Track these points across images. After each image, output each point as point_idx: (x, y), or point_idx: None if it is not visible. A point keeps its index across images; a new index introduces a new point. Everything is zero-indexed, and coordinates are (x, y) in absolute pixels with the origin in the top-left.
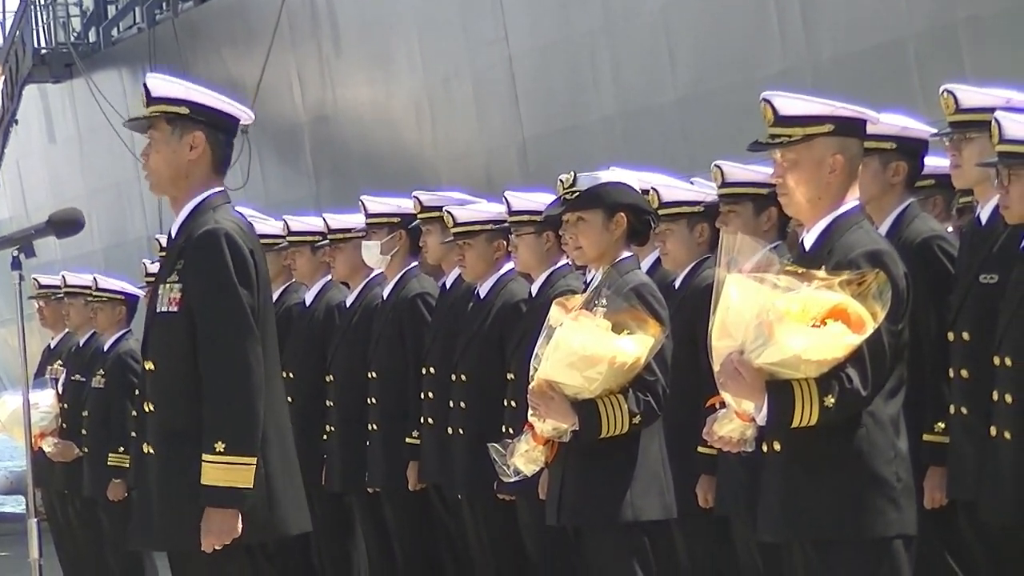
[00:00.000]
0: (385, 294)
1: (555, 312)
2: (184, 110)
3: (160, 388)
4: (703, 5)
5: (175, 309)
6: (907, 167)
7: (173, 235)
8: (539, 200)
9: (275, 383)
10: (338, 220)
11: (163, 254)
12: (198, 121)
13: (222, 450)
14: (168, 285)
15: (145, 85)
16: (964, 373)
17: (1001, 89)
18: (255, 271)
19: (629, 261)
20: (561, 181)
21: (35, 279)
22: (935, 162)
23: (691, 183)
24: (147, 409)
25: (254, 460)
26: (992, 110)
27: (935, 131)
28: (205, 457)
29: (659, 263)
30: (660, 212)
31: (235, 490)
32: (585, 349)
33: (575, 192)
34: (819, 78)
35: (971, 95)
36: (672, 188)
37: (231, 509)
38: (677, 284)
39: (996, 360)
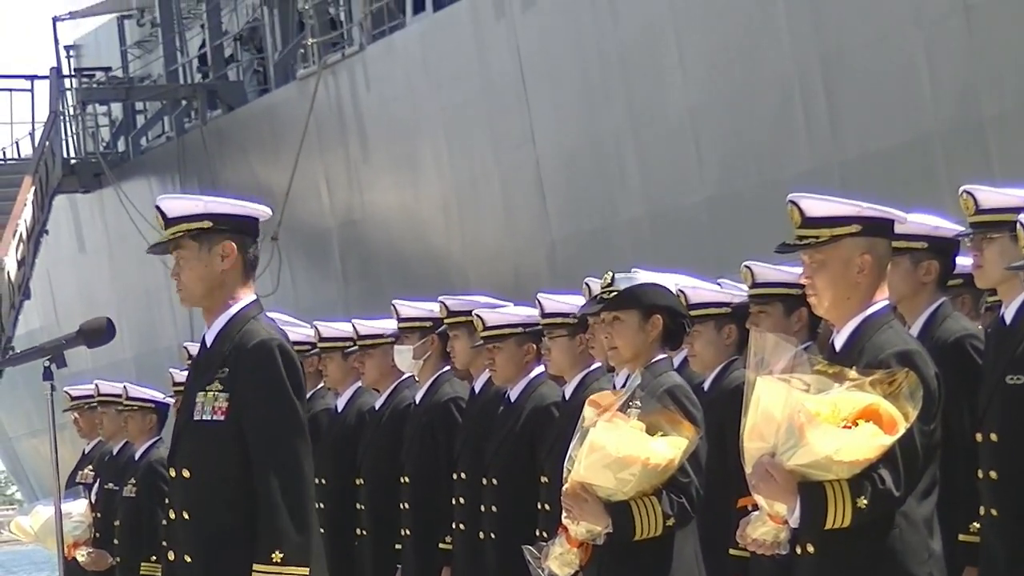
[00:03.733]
0: (418, 398)
1: (588, 413)
2: (207, 224)
3: (198, 496)
4: (729, 105)
5: (221, 418)
6: (939, 266)
7: (208, 343)
8: (571, 302)
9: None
10: (367, 326)
11: (191, 361)
12: (223, 231)
13: (279, 560)
14: (211, 394)
15: (159, 208)
16: (993, 474)
17: (1021, 189)
18: (303, 381)
19: (663, 363)
20: (587, 285)
21: (67, 392)
22: (963, 261)
23: (719, 284)
24: (179, 517)
25: (307, 571)
26: (1012, 210)
27: (962, 230)
28: (257, 566)
29: (685, 364)
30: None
31: None
32: (619, 451)
33: (613, 291)
34: (846, 176)
35: (991, 196)
36: (699, 290)
37: None
38: (706, 386)
39: None
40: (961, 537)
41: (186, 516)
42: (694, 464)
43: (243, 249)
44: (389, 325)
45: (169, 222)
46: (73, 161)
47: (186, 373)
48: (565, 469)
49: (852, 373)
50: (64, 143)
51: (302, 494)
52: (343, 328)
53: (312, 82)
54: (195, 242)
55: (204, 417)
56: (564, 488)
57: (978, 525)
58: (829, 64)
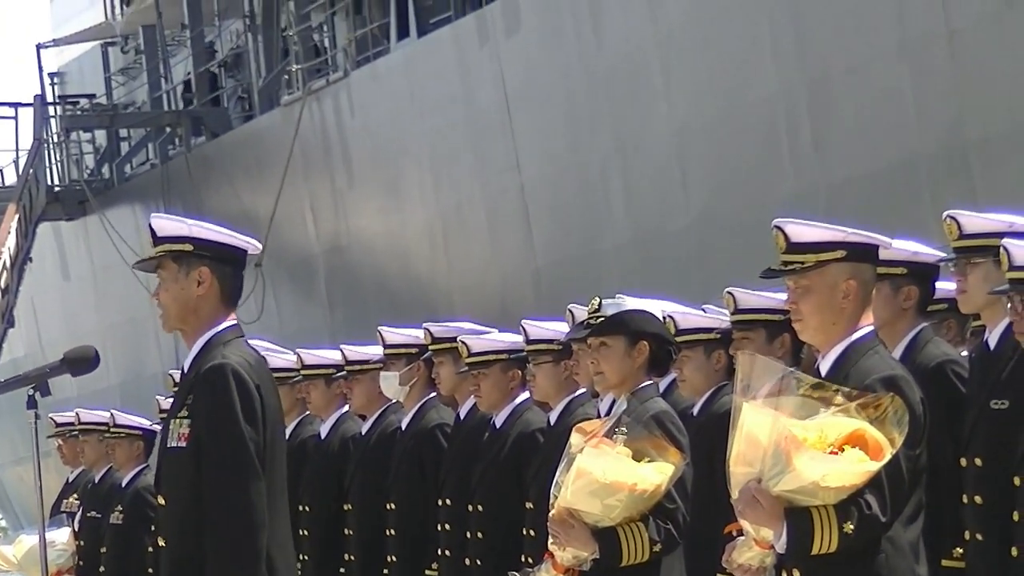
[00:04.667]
0: (404, 424)
1: (575, 439)
2: (188, 247)
3: (169, 522)
4: (714, 129)
5: (183, 444)
6: (918, 292)
7: (186, 370)
8: (556, 328)
9: (281, 519)
10: (355, 352)
11: (175, 389)
12: (203, 256)
13: None
14: (178, 420)
15: (151, 226)
16: (978, 499)
17: (1004, 214)
18: (261, 407)
19: (649, 389)
20: (571, 312)
21: (52, 418)
22: (948, 286)
23: (703, 310)
24: (159, 544)
25: None
26: (995, 235)
27: (943, 255)
28: None
29: (671, 388)
30: (677, 339)
31: None
32: (606, 476)
33: (600, 317)
34: (831, 201)
35: (974, 221)
36: (689, 315)
37: None
38: (696, 411)
39: (1017, 481)
40: (944, 562)
41: (161, 543)
42: (680, 490)
43: (220, 277)
44: (377, 351)
45: (156, 241)
46: (57, 188)
47: (171, 401)
48: (551, 495)
49: (838, 398)
50: (48, 170)
51: (247, 521)
52: (326, 355)
53: (296, 108)
54: (175, 264)
55: (172, 444)
56: (551, 514)
57: (961, 550)
58: (814, 89)
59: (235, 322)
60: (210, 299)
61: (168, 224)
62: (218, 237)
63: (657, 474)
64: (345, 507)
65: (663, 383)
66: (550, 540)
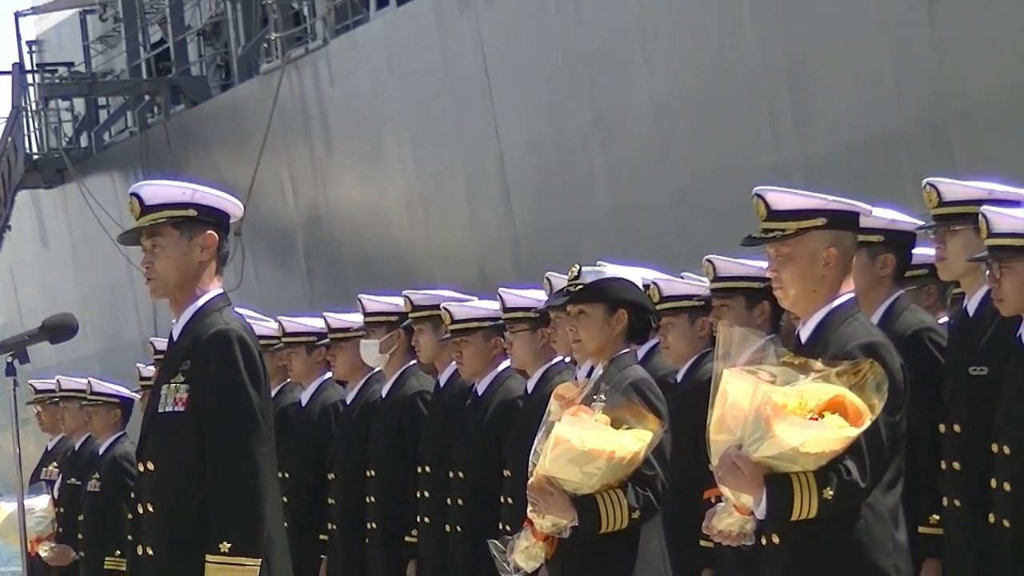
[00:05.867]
0: (384, 392)
1: (554, 407)
2: (192, 212)
3: (160, 489)
4: (695, 101)
5: (181, 409)
6: (895, 259)
7: (175, 337)
8: (533, 297)
9: (275, 484)
10: (338, 319)
11: (159, 356)
12: (206, 222)
13: (227, 550)
14: (173, 386)
15: (138, 195)
16: (956, 465)
17: (983, 181)
18: (263, 373)
19: (628, 356)
20: (548, 280)
21: (31, 385)
22: (929, 251)
23: (681, 278)
24: (145, 510)
25: (259, 562)
26: (975, 202)
27: (921, 223)
28: (209, 557)
29: (651, 355)
30: (661, 306)
31: None
32: (584, 444)
33: (579, 285)
34: (811, 172)
35: (953, 188)
36: (673, 282)
37: None
38: (679, 378)
39: (994, 448)
40: (921, 529)
41: (150, 509)
42: (659, 457)
43: (221, 242)
44: (359, 319)
45: (147, 208)
46: (36, 157)
47: (152, 368)
48: (530, 463)
49: (818, 364)
50: (27, 139)
51: (253, 484)
52: (307, 323)
53: (275, 77)
54: (176, 230)
55: (167, 409)
56: (530, 482)
57: (938, 517)
58: (794, 60)
59: (222, 290)
60: (209, 265)
61: (163, 191)
62: (218, 202)
63: (635, 441)
64: (329, 476)
65: (642, 351)
66: (529, 508)
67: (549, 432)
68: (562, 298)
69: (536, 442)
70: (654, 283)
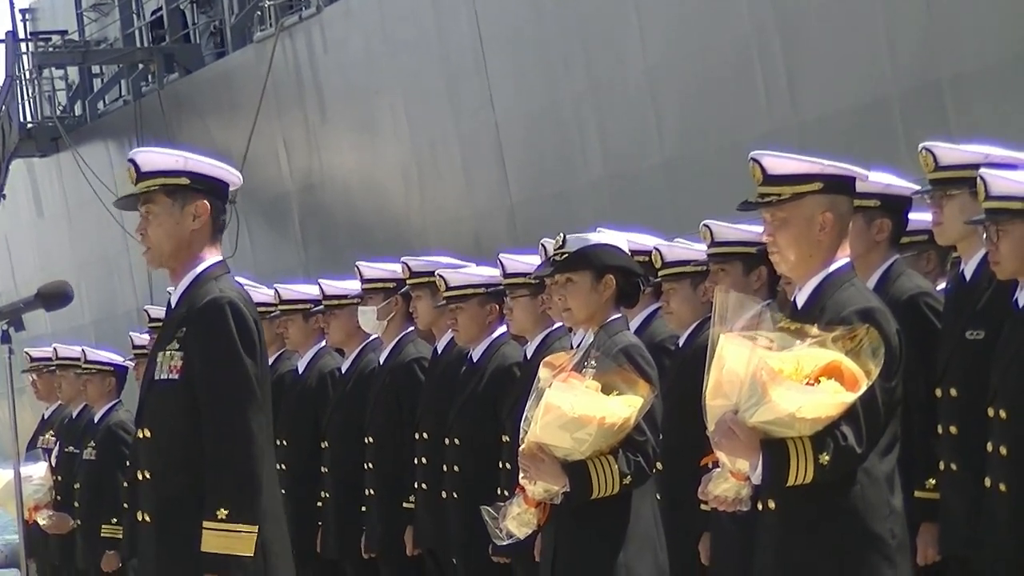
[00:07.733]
0: (381, 359)
1: (543, 373)
2: (184, 180)
3: (157, 456)
4: (688, 68)
5: (176, 376)
6: (891, 224)
7: (173, 305)
8: (534, 263)
9: (271, 452)
10: (333, 286)
11: (155, 324)
12: (198, 191)
13: (224, 517)
14: (168, 353)
15: (134, 161)
16: (953, 429)
17: (980, 145)
18: (258, 340)
19: (618, 322)
20: (543, 246)
21: (27, 353)
22: (928, 217)
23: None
24: (142, 477)
25: (255, 528)
26: (971, 167)
27: (918, 188)
28: (206, 524)
29: (648, 322)
30: (663, 272)
31: (235, 558)
32: (574, 410)
33: (564, 253)
34: (805, 138)
35: (949, 152)
36: (675, 247)
37: None
38: (681, 343)
39: (990, 412)
40: (917, 494)
41: (147, 475)
42: (650, 423)
43: (215, 211)
44: (355, 286)
45: (142, 175)
46: (30, 125)
47: (146, 336)
48: (521, 430)
49: (814, 330)
50: (20, 107)
51: (249, 451)
52: (303, 290)
53: (269, 45)
54: (168, 198)
55: (162, 376)
56: (521, 448)
57: (934, 482)
58: (787, 26)
59: (221, 258)
60: (203, 234)
61: (156, 158)
62: (212, 171)
63: (626, 407)
64: (322, 444)
65: (637, 319)
66: (520, 474)
67: (539, 399)
68: (549, 267)
69: (527, 409)
70: (656, 248)
